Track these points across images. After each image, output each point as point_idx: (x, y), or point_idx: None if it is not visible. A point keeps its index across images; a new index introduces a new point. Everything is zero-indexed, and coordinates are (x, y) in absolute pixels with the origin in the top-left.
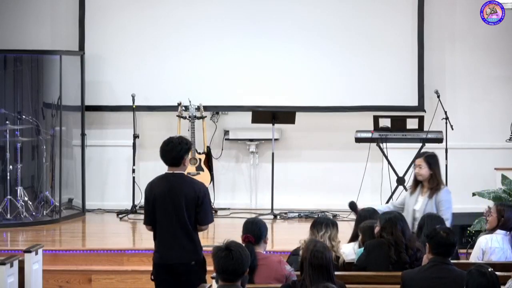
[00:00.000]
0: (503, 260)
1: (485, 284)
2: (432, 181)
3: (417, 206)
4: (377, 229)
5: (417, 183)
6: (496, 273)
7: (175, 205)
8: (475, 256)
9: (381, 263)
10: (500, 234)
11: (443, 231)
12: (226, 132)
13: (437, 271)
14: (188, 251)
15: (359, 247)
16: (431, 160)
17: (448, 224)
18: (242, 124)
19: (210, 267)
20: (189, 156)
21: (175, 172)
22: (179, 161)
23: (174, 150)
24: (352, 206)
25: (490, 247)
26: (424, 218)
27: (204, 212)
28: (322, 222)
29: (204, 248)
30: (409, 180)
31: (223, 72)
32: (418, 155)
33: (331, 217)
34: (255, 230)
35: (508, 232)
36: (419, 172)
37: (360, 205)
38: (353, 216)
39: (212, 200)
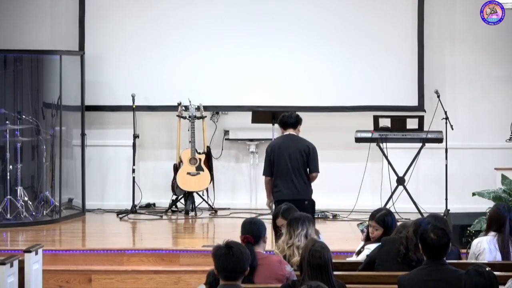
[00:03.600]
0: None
1: (482, 284)
2: None
3: None
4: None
5: None
6: (496, 273)
7: (290, 156)
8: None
9: (391, 257)
10: (490, 236)
11: (433, 234)
12: (226, 132)
13: (431, 273)
14: (300, 191)
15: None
16: None
17: None
18: (242, 124)
19: (209, 267)
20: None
21: (290, 133)
22: (296, 125)
23: (293, 116)
24: None
25: (479, 249)
26: (428, 218)
27: (314, 162)
28: (298, 220)
29: (204, 248)
30: (409, 180)
31: (223, 72)
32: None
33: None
34: (253, 230)
35: (495, 233)
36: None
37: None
38: (353, 216)
39: (212, 200)
